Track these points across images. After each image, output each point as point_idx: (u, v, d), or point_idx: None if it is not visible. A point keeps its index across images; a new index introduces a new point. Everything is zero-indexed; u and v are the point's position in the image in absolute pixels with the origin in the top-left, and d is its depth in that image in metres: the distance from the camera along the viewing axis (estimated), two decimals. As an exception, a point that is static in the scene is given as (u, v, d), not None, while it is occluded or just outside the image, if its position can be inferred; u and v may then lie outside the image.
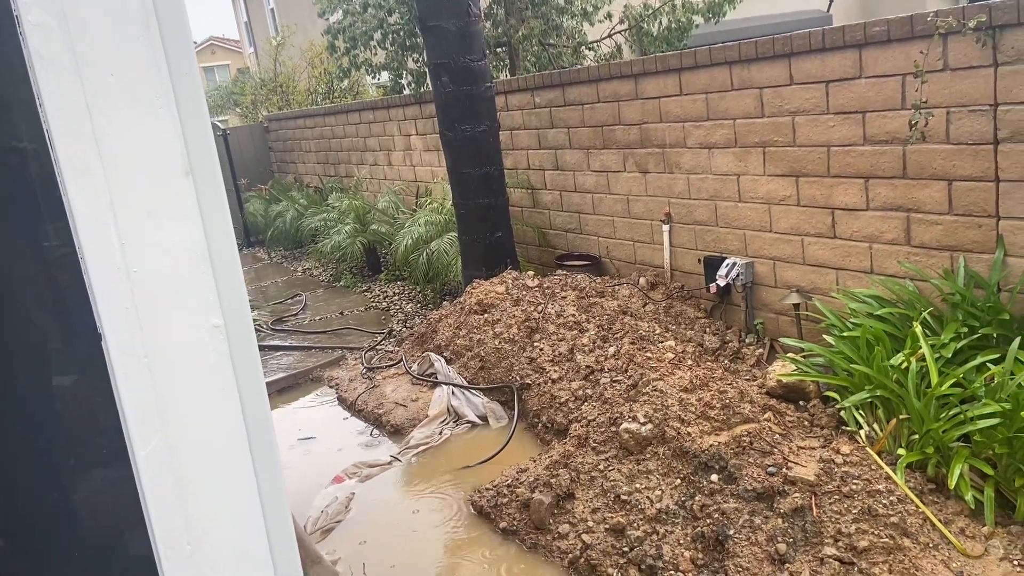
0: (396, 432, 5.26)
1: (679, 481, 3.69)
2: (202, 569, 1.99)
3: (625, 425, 4.01)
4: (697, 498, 3.54)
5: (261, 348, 7.25)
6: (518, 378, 5.29)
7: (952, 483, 3.26)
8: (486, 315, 5.87)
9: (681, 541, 3.42)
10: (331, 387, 6.18)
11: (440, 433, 5.13)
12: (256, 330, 7.80)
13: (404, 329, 7.07)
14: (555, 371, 5.11)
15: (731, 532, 3.31)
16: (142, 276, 1.88)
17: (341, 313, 8.24)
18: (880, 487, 3.28)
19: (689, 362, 4.48)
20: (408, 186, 9.89)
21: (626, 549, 3.50)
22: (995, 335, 3.79)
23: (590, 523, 3.72)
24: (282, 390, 6.31)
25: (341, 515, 4.31)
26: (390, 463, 4.85)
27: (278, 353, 7.14)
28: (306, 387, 6.36)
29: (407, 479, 4.67)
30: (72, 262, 1.86)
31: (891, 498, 3.23)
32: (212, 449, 1.96)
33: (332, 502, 4.42)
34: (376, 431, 5.37)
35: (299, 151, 13.34)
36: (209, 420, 1.96)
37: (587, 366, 4.95)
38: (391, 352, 6.53)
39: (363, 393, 5.78)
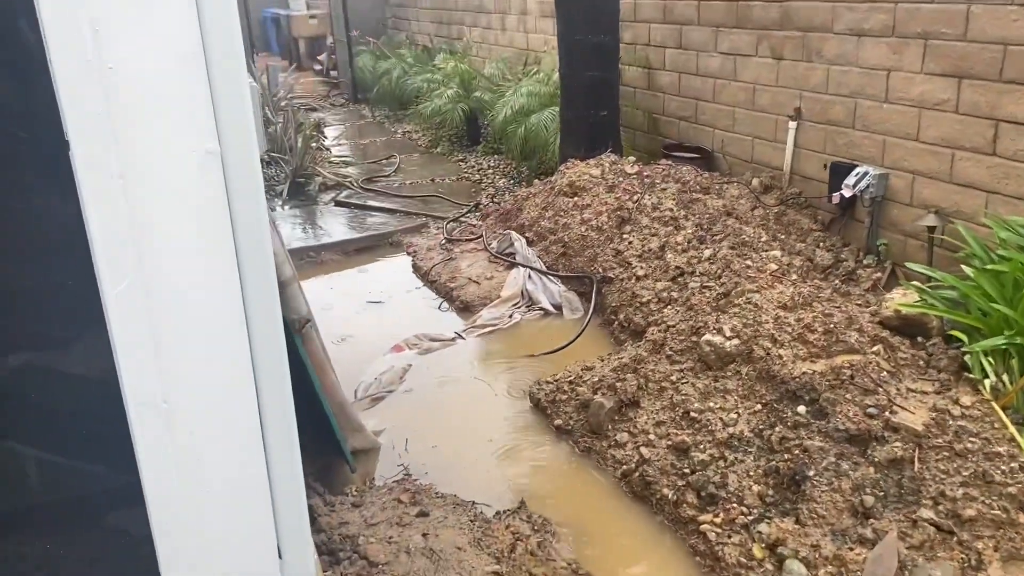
0: (465, 309, 4.98)
1: (759, 407, 3.26)
2: (179, 433, 1.73)
3: (708, 336, 3.58)
4: (777, 429, 3.11)
5: (345, 205, 7.07)
6: (600, 270, 4.88)
7: (1091, 459, 2.71)
8: (576, 198, 5.42)
9: (751, 473, 3.03)
10: (409, 253, 5.94)
11: (510, 316, 4.82)
12: (346, 186, 7.62)
13: (491, 204, 6.70)
14: (641, 267, 4.67)
15: (811, 473, 2.89)
16: (120, 76, 1.52)
17: (432, 180, 7.92)
18: (1001, 450, 2.77)
19: (794, 277, 3.95)
20: (519, 54, 9.27)
21: (687, 471, 3.14)
22: None
23: (651, 436, 3.36)
24: (360, 250, 6.11)
25: (394, 385, 4.11)
26: (453, 340, 4.60)
27: (362, 212, 6.93)
28: (384, 250, 6.13)
29: (467, 359, 4.41)
30: (38, 50, 1.53)
31: (1012, 464, 2.72)
32: (197, 298, 1.65)
33: (387, 370, 4.22)
34: (445, 304, 5.11)
35: (413, 7, 12.78)
36: (194, 263, 1.65)
37: (677, 267, 4.48)
38: (474, 226, 6.20)
39: (438, 264, 5.51)
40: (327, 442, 3.30)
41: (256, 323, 1.65)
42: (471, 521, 2.98)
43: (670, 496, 3.11)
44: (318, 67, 16.17)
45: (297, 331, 3.01)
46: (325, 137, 9.19)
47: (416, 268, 5.68)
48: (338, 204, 7.16)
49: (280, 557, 1.82)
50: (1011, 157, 4.04)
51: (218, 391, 1.62)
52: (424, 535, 2.87)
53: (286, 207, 7.19)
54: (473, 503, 3.13)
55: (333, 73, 14.72)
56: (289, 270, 2.89)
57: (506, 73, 8.63)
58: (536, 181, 6.28)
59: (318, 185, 7.63)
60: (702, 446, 3.20)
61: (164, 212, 1.51)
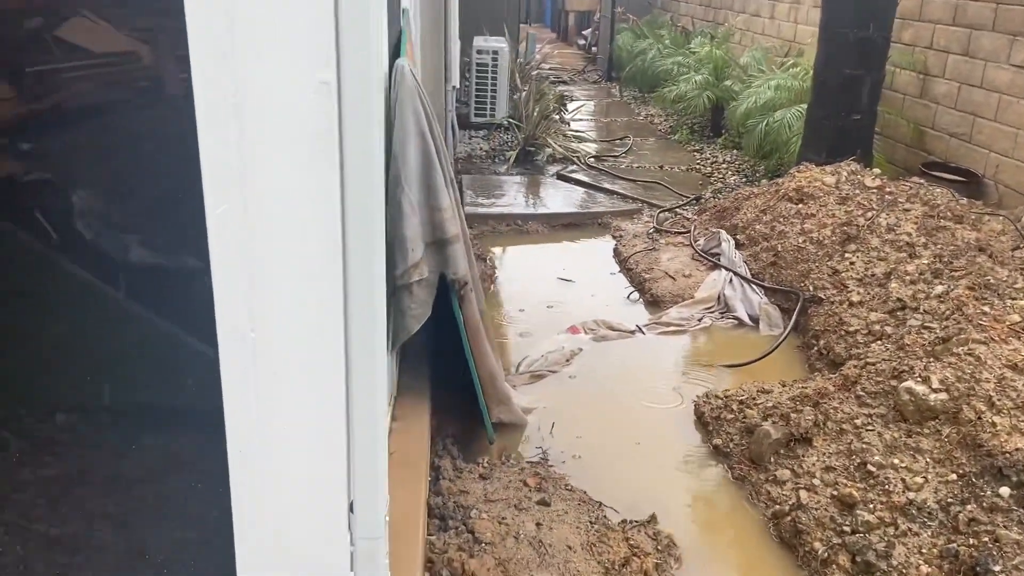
0: (654, 303, 4.75)
1: (954, 477, 2.75)
2: (262, 364, 1.74)
3: (910, 384, 3.08)
4: (969, 507, 2.61)
5: (567, 179, 7.03)
6: (811, 288, 4.41)
7: None
8: (801, 205, 4.93)
9: (924, 550, 2.58)
10: (614, 237, 5.77)
11: (699, 319, 4.52)
12: (573, 161, 7.58)
13: (712, 199, 6.33)
14: (858, 293, 4.15)
15: (996, 568, 2.39)
16: (245, -2, 1.52)
17: (660, 167, 7.66)
18: None
19: (1038, 334, 3.29)
20: (782, 45, 8.64)
21: (847, 529, 2.74)
22: None
23: (816, 481, 2.97)
24: (567, 225, 6.05)
25: (559, 366, 4.01)
26: (632, 332, 4.40)
27: (580, 189, 6.85)
28: (591, 229, 6.02)
29: (641, 355, 4.19)
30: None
31: None
32: (295, 231, 1.61)
33: (556, 350, 4.12)
34: (636, 295, 4.90)
35: (682, -11, 12.39)
36: (298, 196, 1.62)
37: (899, 299, 3.92)
38: (687, 219, 5.89)
39: (639, 252, 5.30)
40: (474, 407, 3.28)
41: (353, 261, 1.59)
42: (591, 523, 2.82)
43: (820, 552, 2.73)
44: (581, 42, 16.31)
45: (456, 292, 2.99)
46: (566, 111, 9.20)
47: (617, 253, 5.50)
48: (560, 177, 7.14)
49: (351, 511, 1.80)
50: None
51: (306, 328, 1.60)
52: (538, 524, 2.75)
53: (511, 173, 7.29)
54: (600, 504, 2.96)
55: (594, 49, 14.76)
56: (455, 228, 2.86)
57: (762, 64, 8.08)
58: (764, 182, 5.82)
59: (546, 156, 7.66)
60: (872, 505, 2.77)
61: (272, 138, 1.49)
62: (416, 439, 2.94)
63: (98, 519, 1.79)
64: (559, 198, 6.56)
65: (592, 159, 7.81)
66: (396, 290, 2.83)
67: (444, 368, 3.43)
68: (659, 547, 2.80)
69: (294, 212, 1.53)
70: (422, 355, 3.52)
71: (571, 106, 9.93)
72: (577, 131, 8.82)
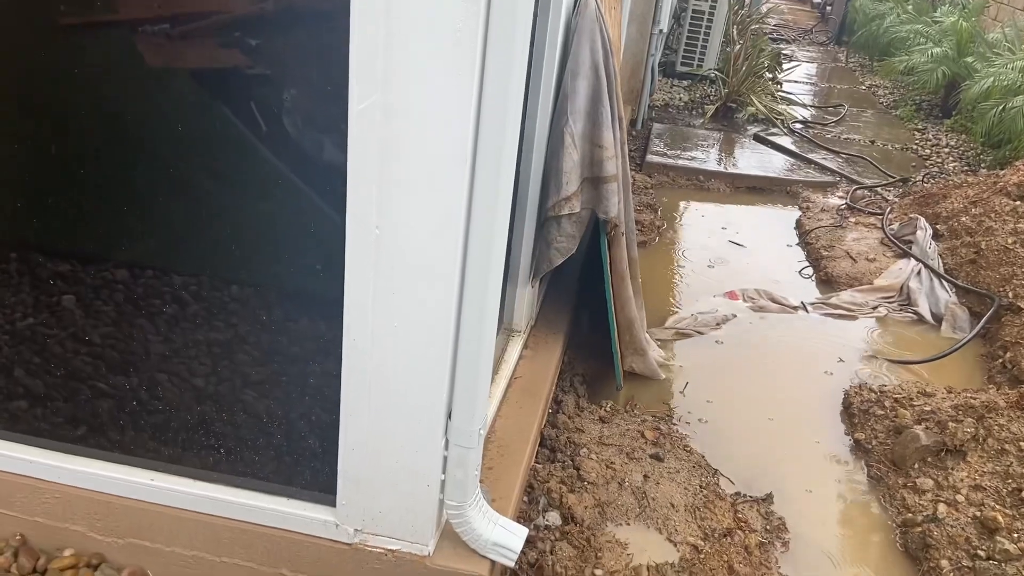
0: (827, 282, 4.46)
1: (1125, 527, 2.43)
2: (383, 258, 1.81)
3: (1097, 415, 2.72)
4: None
5: (763, 141, 6.68)
6: (1011, 294, 3.96)
7: None
8: (1019, 203, 4.40)
9: (1066, 597, 2.31)
10: (800, 208, 5.46)
11: (874, 308, 4.20)
12: (775, 124, 7.18)
13: (921, 182, 5.78)
14: (1065, 308, 3.68)
15: None
16: None
17: (872, 142, 7.08)
18: None
19: None
20: (1044, 23, 7.61)
21: (981, 553, 2.50)
22: None
23: (960, 497, 2.73)
24: (752, 189, 5.78)
25: (707, 328, 3.90)
26: (795, 308, 4.17)
27: (776, 153, 6.49)
28: (777, 196, 5.71)
29: (796, 330, 3.97)
30: None
31: None
32: (429, 135, 1.66)
33: (709, 312, 4.01)
34: (809, 271, 4.63)
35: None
36: (434, 101, 1.65)
37: (1113, 321, 3.44)
38: (885, 200, 5.43)
39: (824, 227, 4.98)
40: (609, 351, 3.28)
41: (481, 175, 1.62)
42: (700, 487, 2.76)
43: (945, 570, 2.52)
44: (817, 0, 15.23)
45: (606, 232, 2.98)
46: (780, 70, 8.68)
47: (799, 224, 5.20)
48: (757, 139, 6.80)
49: (449, 418, 1.88)
50: None
51: (427, 232, 1.66)
52: (645, 476, 2.74)
53: (707, 128, 7.03)
54: (716, 472, 2.89)
55: (828, 8, 13.74)
56: (613, 168, 2.82)
57: (1013, 43, 7.17)
58: (983, 171, 5.23)
59: (748, 115, 7.31)
60: (1017, 535, 2.51)
61: (418, 44, 1.53)
62: (543, 369, 2.99)
63: (244, 384, 2.00)
64: (750, 160, 6.25)
65: (798, 124, 7.35)
66: (545, 221, 2.86)
67: (589, 309, 3.44)
68: (768, 527, 2.71)
69: (428, 116, 1.58)
70: (569, 292, 3.55)
71: (787, 66, 9.35)
72: (787, 93, 8.32)
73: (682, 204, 5.45)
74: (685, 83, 8.31)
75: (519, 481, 2.46)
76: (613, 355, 3.20)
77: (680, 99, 7.80)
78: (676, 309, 3.98)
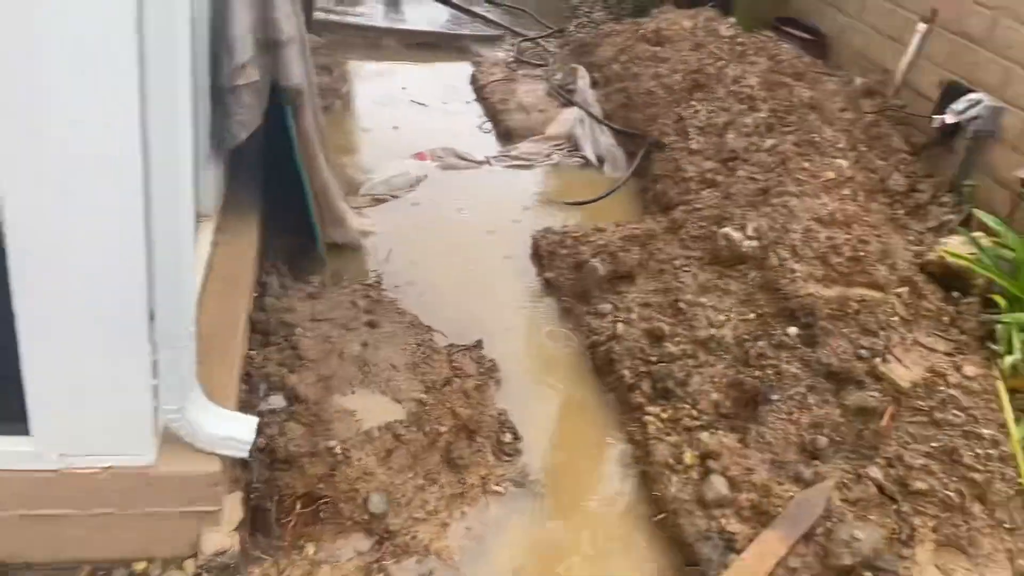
0: (506, 135, 4.71)
1: (752, 316, 3.01)
2: (50, 154, 1.58)
3: (728, 230, 3.28)
4: (760, 343, 2.88)
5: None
6: (657, 133, 4.49)
7: (1084, 472, 2.43)
8: (657, 48, 4.93)
9: (715, 380, 2.83)
10: (473, 64, 5.60)
11: (548, 155, 4.54)
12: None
13: (576, 33, 6.21)
14: (697, 141, 4.27)
15: (775, 397, 2.68)
16: None
17: (530, -7, 7.37)
18: (985, 432, 2.50)
19: (846, 191, 3.54)
20: None
21: (653, 359, 2.96)
22: None
23: (633, 315, 3.16)
24: (423, 45, 5.78)
25: (401, 192, 3.95)
26: (481, 163, 4.37)
27: (446, 9, 6.50)
28: (449, 53, 5.79)
29: (486, 187, 4.20)
30: None
31: (991, 451, 2.46)
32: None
33: (400, 175, 4.05)
34: (488, 126, 4.84)
35: None
36: None
37: (732, 150, 4.07)
38: (548, 51, 5.77)
39: (497, 82, 5.18)
40: (308, 226, 3.20)
41: (152, 47, 1.44)
42: (417, 345, 2.88)
43: (627, 378, 2.95)
44: None
45: (290, 100, 2.82)
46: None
47: (474, 80, 5.36)
48: (424, -6, 6.74)
49: (151, 320, 1.73)
50: None
51: (100, 116, 1.46)
52: (364, 344, 2.79)
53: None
54: (429, 328, 3.03)
55: None
56: (290, 28, 2.64)
57: None
58: (628, 20, 5.75)
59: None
60: (678, 339, 3.00)
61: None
62: (241, 253, 2.84)
63: None
64: (421, 16, 6.21)
65: (457, -23, 7.39)
66: (222, 93, 2.62)
67: (279, 184, 3.29)
68: (481, 370, 2.93)
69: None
70: (256, 169, 3.35)
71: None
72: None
73: (360, 65, 5.31)
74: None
75: (235, 372, 2.38)
76: (313, 229, 3.13)
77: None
78: (369, 176, 3.96)
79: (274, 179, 3.34)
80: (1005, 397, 2.62)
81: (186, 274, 1.74)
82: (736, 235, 3.24)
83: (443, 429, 2.58)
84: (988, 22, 4.26)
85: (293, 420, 2.43)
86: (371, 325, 2.91)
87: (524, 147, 4.56)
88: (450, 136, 4.54)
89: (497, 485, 2.56)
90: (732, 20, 5.29)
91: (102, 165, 1.51)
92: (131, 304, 1.68)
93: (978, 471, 2.40)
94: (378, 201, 3.83)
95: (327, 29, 5.47)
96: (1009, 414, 2.57)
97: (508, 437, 2.73)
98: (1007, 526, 2.37)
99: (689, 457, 2.60)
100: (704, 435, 2.64)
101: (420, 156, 4.29)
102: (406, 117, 4.69)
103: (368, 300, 3.06)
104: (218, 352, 2.35)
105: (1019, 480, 2.42)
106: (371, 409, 2.57)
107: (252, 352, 2.62)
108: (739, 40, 4.94)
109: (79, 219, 1.55)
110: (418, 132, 4.52)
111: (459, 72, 5.49)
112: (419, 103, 4.91)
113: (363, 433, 2.45)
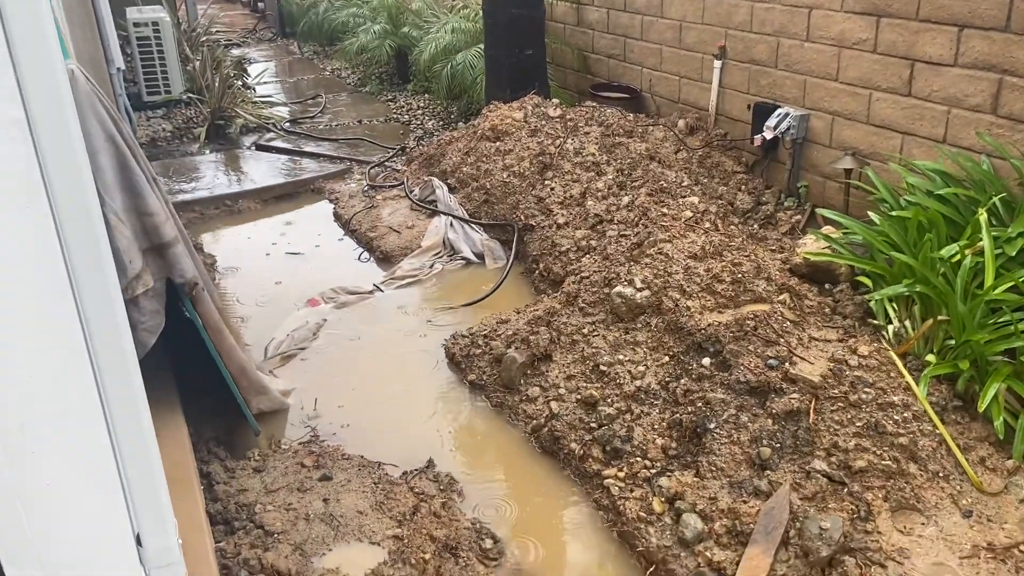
0: (385, 259, 4.87)
1: (667, 359, 3.25)
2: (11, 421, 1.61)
3: (620, 288, 3.54)
4: (683, 381, 3.12)
5: (267, 149, 6.81)
6: (523, 217, 4.79)
7: (983, 404, 2.76)
8: (499, 143, 5.28)
9: (656, 426, 3.04)
10: (331, 201, 5.77)
11: (431, 267, 4.73)
12: (269, 129, 7.33)
13: (417, 147, 6.52)
14: (563, 215, 4.60)
15: (712, 425, 2.90)
16: None
17: (360, 122, 7.69)
18: (895, 399, 2.81)
19: (707, 224, 3.91)
20: (449, -13, 8.94)
21: (594, 425, 3.13)
22: (1076, 237, 3.15)
23: (562, 391, 3.34)
24: (279, 197, 5.91)
25: (307, 342, 4.01)
26: (371, 292, 4.50)
27: (283, 157, 6.69)
28: (305, 197, 5.94)
29: (385, 312, 4.32)
30: None
31: (905, 414, 2.76)
32: (19, 275, 1.51)
33: (301, 327, 4.11)
34: (366, 255, 4.99)
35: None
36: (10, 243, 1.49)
37: (596, 214, 4.41)
38: (398, 171, 6.03)
39: (360, 212, 5.36)
40: (232, 404, 3.21)
41: (88, 300, 1.52)
42: (375, 484, 2.94)
43: (577, 451, 3.10)
44: (246, -1, 15.50)
45: (187, 294, 2.88)
46: (248, 75, 8.82)
47: (337, 216, 5.52)
48: (259, 148, 6.90)
49: (139, 544, 1.75)
50: (926, 98, 4.02)
51: (50, 375, 1.51)
52: (325, 500, 2.82)
53: (205, 151, 6.90)
54: (379, 464, 3.09)
55: (261, 5, 14.11)
56: (171, 230, 2.74)
57: (434, 8, 8.32)
58: (461, 124, 6.12)
59: (239, 127, 7.34)
60: (610, 400, 3.19)
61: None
62: (177, 451, 2.83)
63: None
64: (264, 170, 6.35)
65: (288, 123, 7.61)
66: (124, 305, 2.65)
67: (192, 373, 3.29)
68: (442, 488, 3.01)
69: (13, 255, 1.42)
70: (165, 364, 3.34)
71: (253, 70, 9.52)
72: (265, 96, 8.52)
73: (223, 233, 5.37)
74: (161, 112, 7.96)
75: (213, 570, 2.36)
76: (240, 405, 3.15)
77: (165, 130, 7.46)
78: (272, 336, 4.00)
79: (184, 367, 3.34)
80: (900, 363, 2.96)
81: (163, 494, 1.77)
82: (628, 291, 3.50)
83: (427, 556, 2.64)
84: (771, 46, 4.86)
85: (282, 598, 2.43)
86: (325, 479, 2.94)
87: (406, 265, 4.73)
88: (333, 276, 4.65)
89: (495, 592, 2.62)
90: (556, 101, 5.74)
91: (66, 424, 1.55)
92: (118, 533, 1.69)
93: (902, 435, 2.69)
94: (288, 358, 3.87)
95: (179, 209, 5.50)
96: (908, 376, 2.90)
97: (488, 543, 2.80)
98: (941, 475, 2.66)
99: (657, 505, 2.77)
100: (663, 480, 2.82)
101: (312, 302, 4.37)
102: (286, 269, 4.78)
103: (313, 456, 3.10)
104: (191, 557, 2.33)
105: (936, 431, 2.73)
106: (354, 560, 2.59)
107: (220, 544, 2.60)
108: (568, 117, 5.36)
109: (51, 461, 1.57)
110: (302, 281, 4.61)
111: (321, 212, 5.64)
112: (294, 253, 5.01)
113: (355, 587, 2.48)
